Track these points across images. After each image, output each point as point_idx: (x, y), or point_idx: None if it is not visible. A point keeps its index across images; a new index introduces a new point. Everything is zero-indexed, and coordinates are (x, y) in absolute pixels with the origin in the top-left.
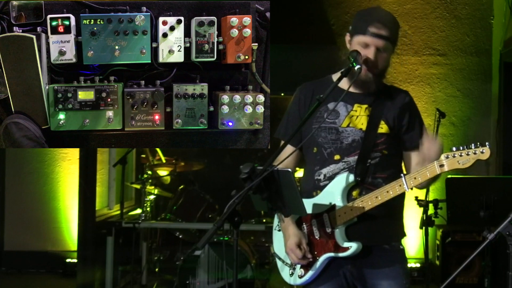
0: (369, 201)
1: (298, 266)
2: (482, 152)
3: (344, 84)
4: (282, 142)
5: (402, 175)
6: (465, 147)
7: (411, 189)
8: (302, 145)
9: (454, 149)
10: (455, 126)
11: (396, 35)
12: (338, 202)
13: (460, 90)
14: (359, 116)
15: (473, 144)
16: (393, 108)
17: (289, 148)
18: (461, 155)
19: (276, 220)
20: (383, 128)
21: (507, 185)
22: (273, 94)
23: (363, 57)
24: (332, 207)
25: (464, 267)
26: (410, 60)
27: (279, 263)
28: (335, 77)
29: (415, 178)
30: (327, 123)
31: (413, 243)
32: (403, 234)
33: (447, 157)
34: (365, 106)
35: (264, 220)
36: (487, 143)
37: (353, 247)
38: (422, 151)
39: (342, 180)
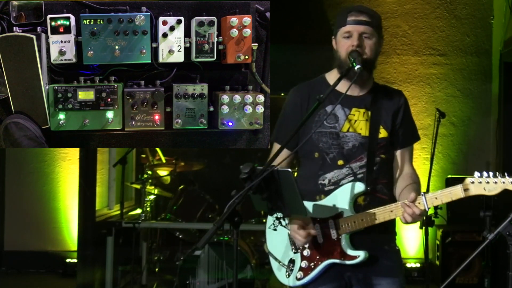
0: (384, 214)
1: (296, 268)
2: (511, 183)
3: (340, 86)
4: (275, 144)
5: (422, 193)
6: (489, 174)
7: (429, 208)
8: (299, 149)
9: (478, 174)
10: (455, 126)
11: (378, 22)
12: (346, 209)
13: (460, 90)
14: (358, 121)
15: (499, 173)
16: (390, 111)
17: (285, 152)
18: (487, 182)
19: (270, 219)
20: (382, 132)
21: None
22: (273, 94)
23: (348, 48)
24: (338, 214)
25: (464, 267)
26: (410, 60)
27: (274, 263)
28: (328, 76)
29: (436, 198)
30: (327, 127)
31: (413, 243)
32: (395, 234)
33: (472, 182)
34: (363, 110)
35: (264, 220)
36: None
37: (361, 256)
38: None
39: (351, 188)
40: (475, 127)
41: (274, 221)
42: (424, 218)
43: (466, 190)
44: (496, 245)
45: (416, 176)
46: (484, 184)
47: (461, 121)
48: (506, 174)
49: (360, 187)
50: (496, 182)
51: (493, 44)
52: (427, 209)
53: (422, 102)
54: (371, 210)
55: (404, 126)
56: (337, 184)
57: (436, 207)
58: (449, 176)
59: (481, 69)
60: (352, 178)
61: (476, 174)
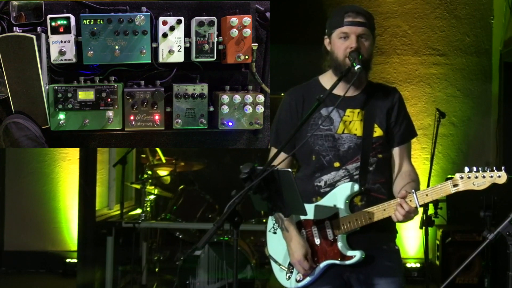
0: (377, 213)
1: (296, 270)
2: (498, 177)
3: (336, 89)
4: (273, 148)
5: (413, 191)
6: (479, 169)
7: (421, 206)
8: (296, 152)
9: (467, 169)
10: (455, 126)
11: (372, 23)
12: (342, 210)
13: (460, 90)
14: (353, 122)
15: (488, 168)
16: (384, 109)
17: (282, 155)
18: (476, 177)
19: (270, 222)
20: (377, 131)
21: (507, 185)
22: (273, 94)
23: (346, 49)
24: (334, 215)
25: (464, 267)
26: (410, 60)
27: (274, 265)
28: (322, 78)
29: (426, 195)
30: (323, 130)
31: (413, 243)
32: (396, 232)
33: (461, 178)
34: (357, 110)
35: (264, 220)
36: (503, 167)
37: (357, 256)
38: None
39: (346, 189)
40: (475, 127)
41: (274, 224)
42: (424, 218)
43: (455, 186)
44: (496, 245)
45: (415, 173)
46: (473, 179)
47: (461, 121)
48: (494, 168)
49: (354, 187)
50: (484, 177)
51: (493, 44)
52: (418, 206)
53: (422, 102)
54: (365, 210)
55: (399, 123)
56: (333, 186)
57: (436, 207)
58: (449, 176)
59: (481, 69)
60: (349, 179)
61: (466, 169)
